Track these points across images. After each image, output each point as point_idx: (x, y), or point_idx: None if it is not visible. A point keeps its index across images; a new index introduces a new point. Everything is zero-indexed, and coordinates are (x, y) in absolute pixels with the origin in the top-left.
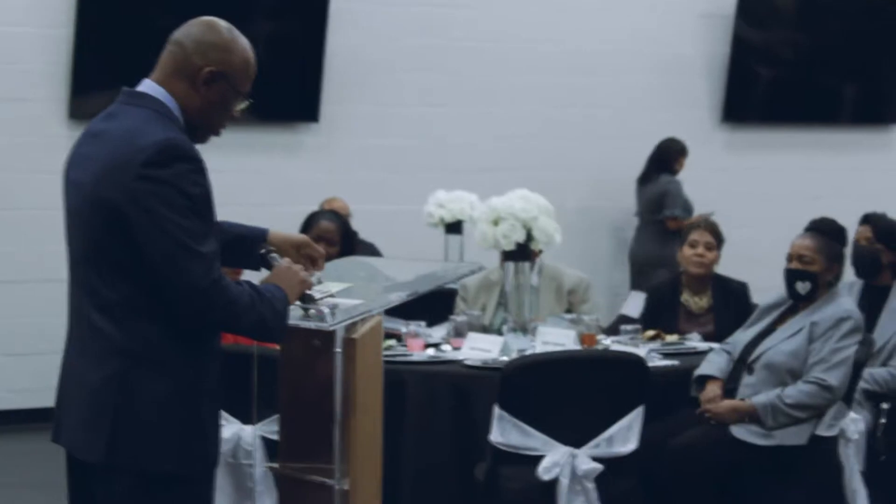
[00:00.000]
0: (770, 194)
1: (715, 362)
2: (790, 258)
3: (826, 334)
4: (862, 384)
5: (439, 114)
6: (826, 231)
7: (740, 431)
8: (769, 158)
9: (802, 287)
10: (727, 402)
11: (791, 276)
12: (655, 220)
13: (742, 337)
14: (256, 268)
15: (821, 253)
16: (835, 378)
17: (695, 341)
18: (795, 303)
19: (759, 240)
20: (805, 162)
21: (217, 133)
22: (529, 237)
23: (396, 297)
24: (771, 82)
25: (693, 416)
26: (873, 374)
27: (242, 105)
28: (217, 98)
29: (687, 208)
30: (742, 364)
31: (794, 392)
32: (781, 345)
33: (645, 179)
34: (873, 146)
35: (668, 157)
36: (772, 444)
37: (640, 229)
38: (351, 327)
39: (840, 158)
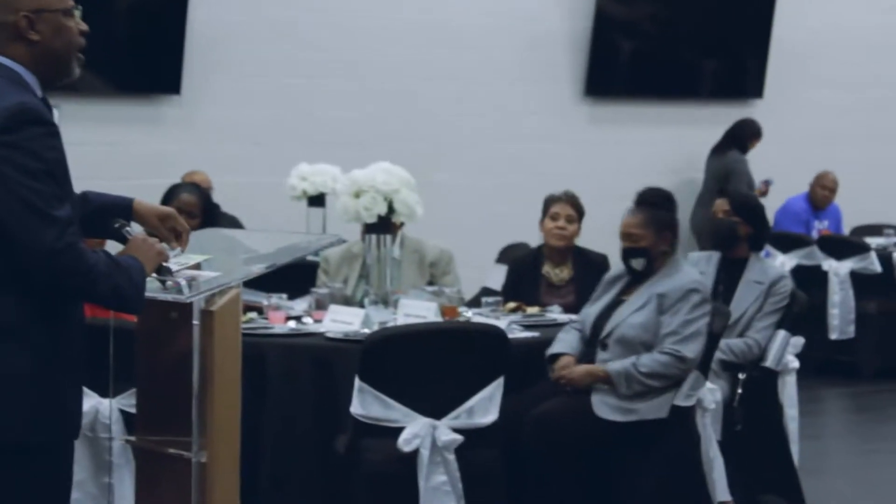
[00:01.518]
0: (632, 168)
1: (565, 340)
2: (621, 237)
3: (675, 306)
4: (719, 355)
5: (302, 86)
6: (653, 201)
7: (602, 409)
8: (631, 132)
9: (637, 263)
10: (581, 367)
11: (625, 255)
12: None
13: (590, 311)
14: (122, 240)
15: (648, 226)
16: (689, 350)
17: (555, 313)
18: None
19: (621, 213)
20: (667, 135)
21: (80, 60)
22: (391, 210)
23: (256, 269)
24: (633, 56)
25: (553, 387)
26: (730, 344)
27: (78, 12)
28: (51, 32)
29: (751, 186)
30: (595, 340)
31: (649, 361)
32: (631, 318)
33: (716, 152)
34: (732, 120)
35: (742, 135)
36: (633, 420)
37: (703, 198)
38: (209, 299)
39: (701, 132)
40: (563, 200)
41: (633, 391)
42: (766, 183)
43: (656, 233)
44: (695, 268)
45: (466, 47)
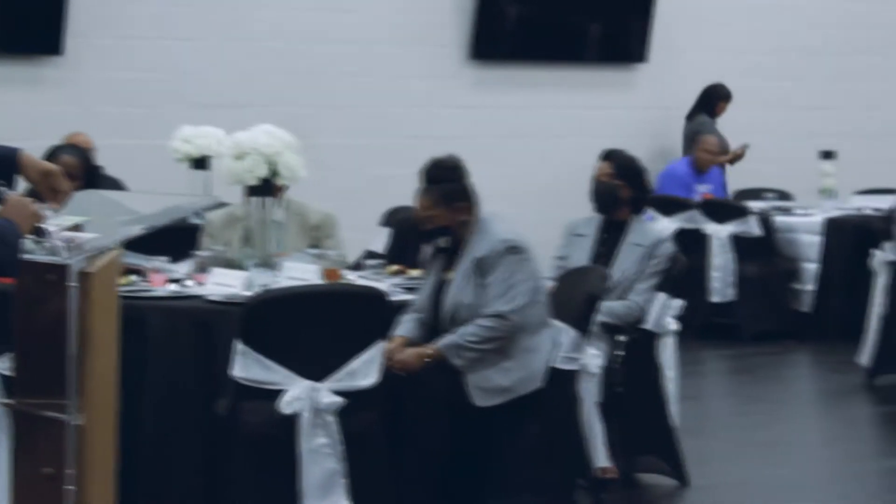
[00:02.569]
0: (517, 132)
1: (403, 325)
2: (418, 220)
3: (493, 267)
4: (599, 317)
5: (186, 48)
6: (437, 177)
7: (479, 397)
8: (517, 96)
9: (443, 241)
10: (411, 350)
11: (429, 237)
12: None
13: (423, 296)
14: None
15: (439, 204)
16: (507, 304)
17: None
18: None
19: (507, 177)
20: (552, 99)
21: None
22: (274, 172)
23: (134, 231)
24: (518, 20)
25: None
26: (611, 307)
27: None
28: None
29: (724, 149)
30: (439, 326)
31: (473, 328)
32: (459, 297)
33: (688, 118)
34: (617, 84)
35: (709, 99)
36: (512, 398)
37: None
38: (87, 261)
39: (585, 96)
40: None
41: (467, 360)
42: (744, 147)
43: (449, 207)
44: (504, 224)
45: (351, 9)
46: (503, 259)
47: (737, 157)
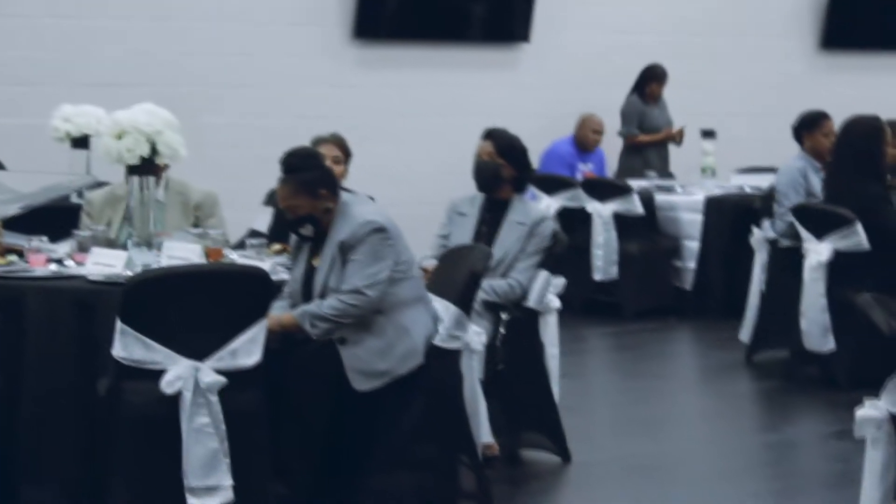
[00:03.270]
0: (402, 111)
1: (276, 313)
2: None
3: (355, 248)
4: (482, 295)
5: (69, 26)
6: (296, 166)
7: (357, 382)
8: (400, 75)
9: (307, 230)
10: (272, 317)
11: (292, 227)
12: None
13: (293, 281)
14: None
15: (299, 194)
16: (364, 280)
17: None
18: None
19: (391, 156)
20: (435, 78)
21: None
22: (154, 151)
23: (13, 210)
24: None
25: None
26: (493, 285)
27: None
28: None
29: (655, 128)
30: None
31: (332, 301)
32: (326, 282)
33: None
34: (500, 64)
35: (641, 80)
36: (388, 381)
37: None
38: None
39: (469, 75)
40: (330, 142)
41: (322, 329)
42: (681, 130)
43: (311, 195)
44: (366, 205)
45: None
46: (366, 239)
47: (671, 138)
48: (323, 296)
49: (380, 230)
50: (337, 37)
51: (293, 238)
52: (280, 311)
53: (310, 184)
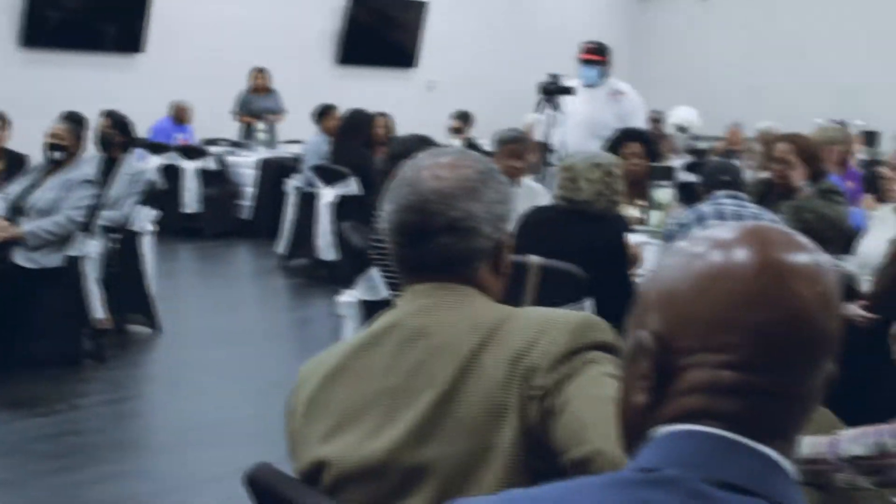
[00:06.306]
0: (59, 102)
1: None
2: (47, 139)
3: (74, 189)
4: (99, 221)
5: None
6: (73, 120)
7: (20, 259)
8: (55, 73)
9: (60, 155)
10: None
11: (52, 149)
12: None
13: (16, 188)
14: None
15: (70, 134)
16: (70, 216)
17: None
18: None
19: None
20: (80, 78)
21: None
22: None
23: None
24: (61, 17)
25: None
26: (107, 215)
27: None
28: None
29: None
30: (19, 210)
31: (48, 223)
32: (45, 194)
33: None
34: (125, 67)
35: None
36: (38, 267)
37: None
38: None
39: (103, 75)
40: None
41: (37, 243)
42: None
43: (74, 138)
44: (88, 165)
45: None
46: (80, 187)
47: (260, 119)
48: (36, 207)
49: (90, 184)
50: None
51: (33, 164)
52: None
53: (77, 132)
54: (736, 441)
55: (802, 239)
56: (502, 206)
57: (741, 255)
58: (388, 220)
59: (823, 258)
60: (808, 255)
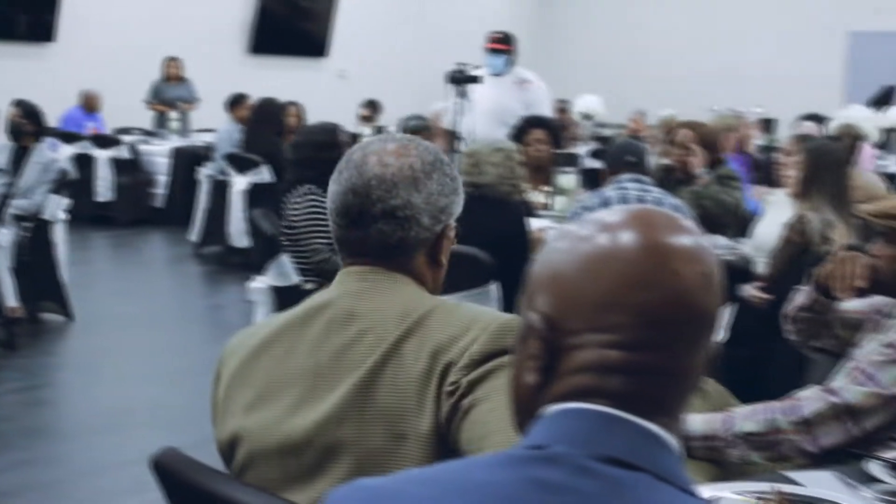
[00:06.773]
0: None
1: None
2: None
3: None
4: (11, 210)
5: None
6: (26, 108)
7: None
8: None
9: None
10: None
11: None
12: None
13: None
14: None
15: (26, 118)
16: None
17: None
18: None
19: None
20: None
21: None
22: None
23: None
24: None
25: None
26: (19, 203)
27: None
28: None
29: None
30: None
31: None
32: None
33: None
34: (34, 57)
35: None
36: None
37: None
38: None
39: (13, 64)
40: None
41: None
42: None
43: (31, 123)
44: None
45: None
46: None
47: (174, 108)
48: None
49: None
50: None
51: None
52: None
53: (31, 116)
54: (621, 417)
55: (685, 222)
56: (445, 199)
57: (626, 237)
58: (332, 199)
59: (706, 240)
60: (690, 237)
